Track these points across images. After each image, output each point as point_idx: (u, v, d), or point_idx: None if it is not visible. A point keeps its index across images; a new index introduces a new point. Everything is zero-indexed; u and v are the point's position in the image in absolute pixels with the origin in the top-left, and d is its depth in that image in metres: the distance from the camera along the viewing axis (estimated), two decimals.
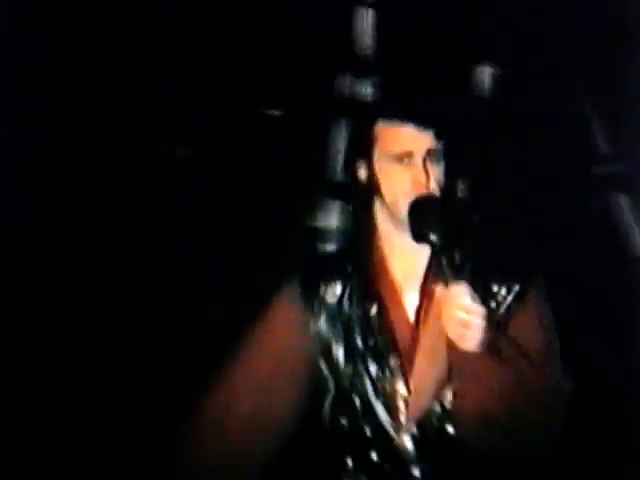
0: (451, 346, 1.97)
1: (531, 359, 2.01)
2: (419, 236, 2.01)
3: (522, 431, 1.99)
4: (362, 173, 2.15)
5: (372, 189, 2.13)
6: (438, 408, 2.09)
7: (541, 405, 1.98)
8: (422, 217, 2.01)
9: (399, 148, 2.07)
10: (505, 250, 2.19)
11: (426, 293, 2.09)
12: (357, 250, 2.19)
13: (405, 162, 2.07)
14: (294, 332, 2.18)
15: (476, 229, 2.12)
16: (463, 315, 1.93)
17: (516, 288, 2.10)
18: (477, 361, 1.96)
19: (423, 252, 2.10)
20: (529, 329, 2.07)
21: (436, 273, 2.01)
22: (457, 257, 1.99)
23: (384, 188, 2.10)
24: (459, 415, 2.02)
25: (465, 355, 1.96)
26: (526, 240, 2.32)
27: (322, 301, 2.17)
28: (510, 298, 2.10)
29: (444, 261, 1.97)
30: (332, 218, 3.36)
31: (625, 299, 3.16)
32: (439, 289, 1.97)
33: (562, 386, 2.04)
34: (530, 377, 1.98)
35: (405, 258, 2.14)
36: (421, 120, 2.07)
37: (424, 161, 2.06)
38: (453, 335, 1.95)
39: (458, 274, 1.96)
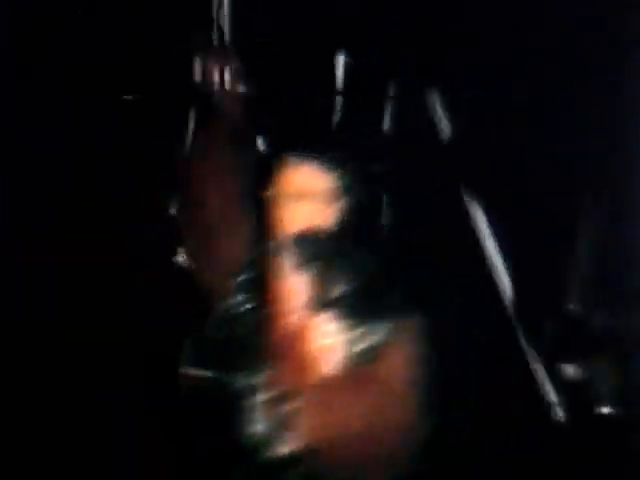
0: (309, 371, 2.06)
1: (393, 393, 2.06)
2: (296, 267, 2.11)
3: (373, 461, 2.05)
4: (267, 197, 2.22)
5: (273, 215, 2.21)
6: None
7: (396, 439, 2.04)
8: (301, 250, 2.12)
9: (298, 183, 2.16)
10: (385, 285, 2.23)
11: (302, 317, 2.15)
12: (259, 267, 2.25)
13: (302, 197, 2.16)
14: None
15: (360, 263, 2.19)
16: (324, 341, 2.04)
17: (391, 324, 2.15)
18: (331, 389, 2.05)
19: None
20: (397, 364, 2.11)
21: (309, 301, 2.11)
22: (330, 289, 2.10)
23: (282, 218, 2.19)
24: (304, 438, 2.06)
25: (321, 381, 2.05)
26: (406, 277, 2.32)
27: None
28: (384, 332, 2.14)
29: (316, 291, 2.09)
30: None
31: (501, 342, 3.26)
32: (308, 315, 2.08)
33: (423, 422, 2.08)
34: (388, 410, 2.04)
35: (298, 282, 2.20)
36: (322, 159, 2.17)
37: (321, 197, 2.16)
38: (313, 359, 2.06)
39: (328, 304, 2.08)
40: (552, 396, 3.36)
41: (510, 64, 3.64)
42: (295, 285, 2.15)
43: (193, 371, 2.18)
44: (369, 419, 2.02)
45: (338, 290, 2.11)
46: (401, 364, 2.10)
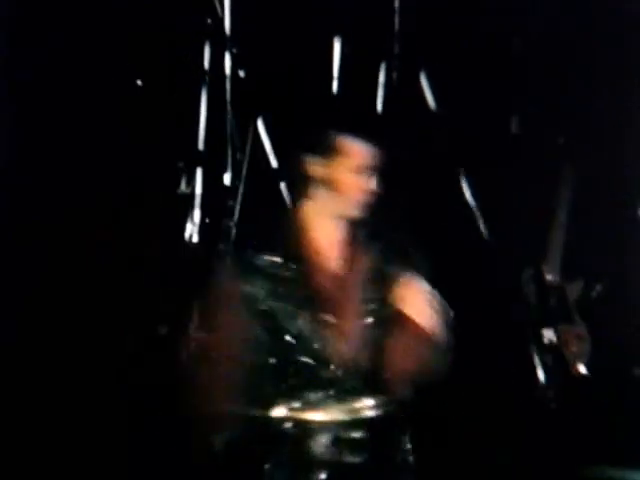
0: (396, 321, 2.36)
1: (425, 331, 2.39)
2: (371, 234, 2.42)
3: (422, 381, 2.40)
4: (310, 168, 2.39)
5: (319, 184, 2.40)
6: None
7: (433, 365, 2.40)
8: (370, 220, 2.41)
9: (352, 159, 2.37)
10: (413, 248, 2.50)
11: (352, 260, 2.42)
12: (288, 225, 2.45)
13: (355, 171, 2.37)
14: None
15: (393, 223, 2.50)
16: (427, 300, 2.34)
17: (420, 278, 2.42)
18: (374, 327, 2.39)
19: (339, 230, 2.44)
20: (425, 310, 2.41)
21: (381, 260, 2.42)
22: (396, 246, 2.44)
23: (336, 189, 2.39)
24: (389, 368, 2.38)
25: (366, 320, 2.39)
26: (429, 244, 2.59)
27: (253, 266, 2.42)
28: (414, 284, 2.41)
29: (390, 250, 2.42)
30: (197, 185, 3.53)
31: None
32: (402, 278, 2.37)
33: (446, 353, 2.42)
34: (426, 344, 2.38)
35: (327, 234, 2.44)
36: (371, 137, 2.38)
37: (368, 171, 2.38)
38: (425, 321, 2.34)
39: (399, 260, 2.40)
40: (535, 359, 3.62)
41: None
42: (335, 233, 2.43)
43: None
44: (417, 350, 2.37)
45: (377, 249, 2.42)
46: (428, 310, 2.39)
